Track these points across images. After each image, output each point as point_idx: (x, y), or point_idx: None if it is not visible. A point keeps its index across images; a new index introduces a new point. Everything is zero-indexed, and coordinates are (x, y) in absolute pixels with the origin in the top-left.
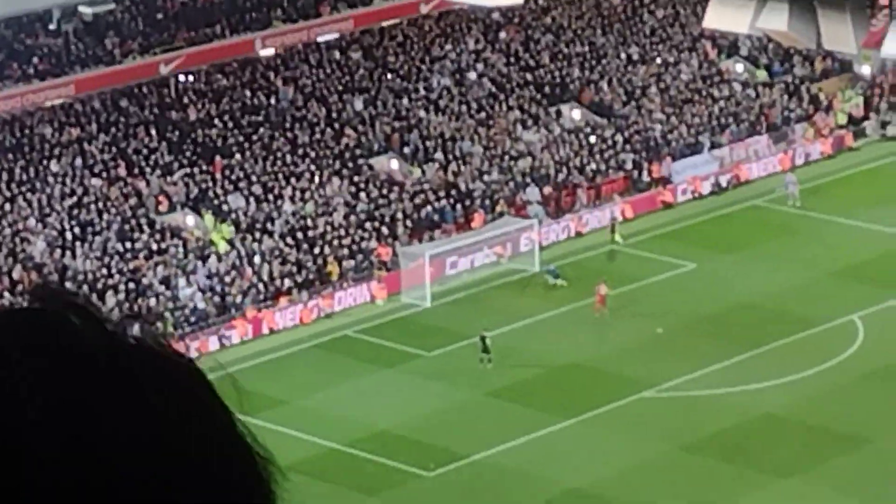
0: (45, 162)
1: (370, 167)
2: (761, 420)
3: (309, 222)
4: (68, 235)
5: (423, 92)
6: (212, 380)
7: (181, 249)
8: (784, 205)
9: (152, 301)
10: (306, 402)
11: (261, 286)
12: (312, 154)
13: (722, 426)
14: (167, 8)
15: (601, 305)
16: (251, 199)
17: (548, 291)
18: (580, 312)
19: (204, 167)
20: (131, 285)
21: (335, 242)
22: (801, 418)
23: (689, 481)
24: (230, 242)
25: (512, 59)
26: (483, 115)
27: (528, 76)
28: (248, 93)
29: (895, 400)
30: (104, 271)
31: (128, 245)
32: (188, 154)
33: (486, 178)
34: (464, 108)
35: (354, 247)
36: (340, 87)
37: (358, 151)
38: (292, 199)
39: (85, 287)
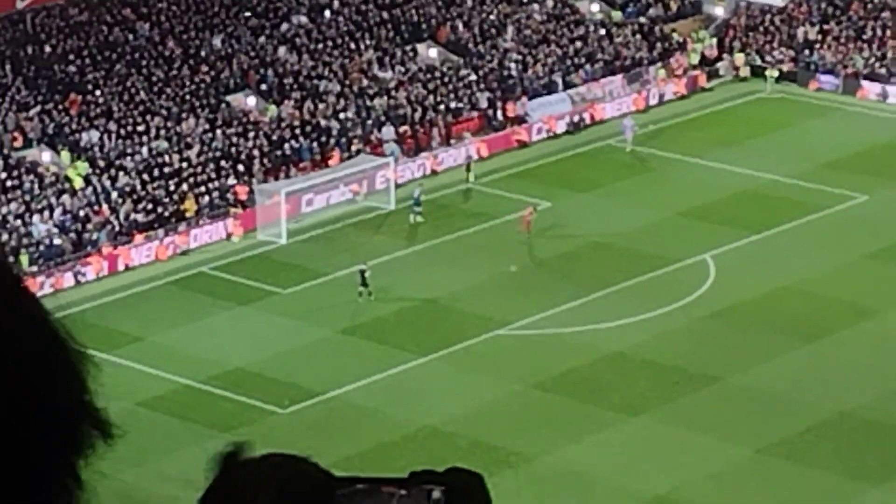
0: None
1: (227, 104)
2: (612, 358)
3: (165, 159)
4: None
5: (280, 29)
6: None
7: (36, 186)
8: (639, 144)
9: (5, 237)
10: (161, 339)
11: (117, 223)
12: (169, 91)
13: (574, 364)
14: None
15: (527, 228)
16: (107, 136)
17: (403, 229)
18: (436, 250)
19: (60, 103)
20: None
21: (191, 179)
22: (652, 357)
23: (540, 419)
24: (86, 179)
25: None
26: (339, 53)
27: (385, 14)
28: (104, 28)
29: (744, 338)
30: None
31: None
32: (44, 90)
33: (342, 115)
34: (321, 46)
35: (211, 184)
36: (199, 24)
37: (214, 88)
38: (148, 135)
39: None
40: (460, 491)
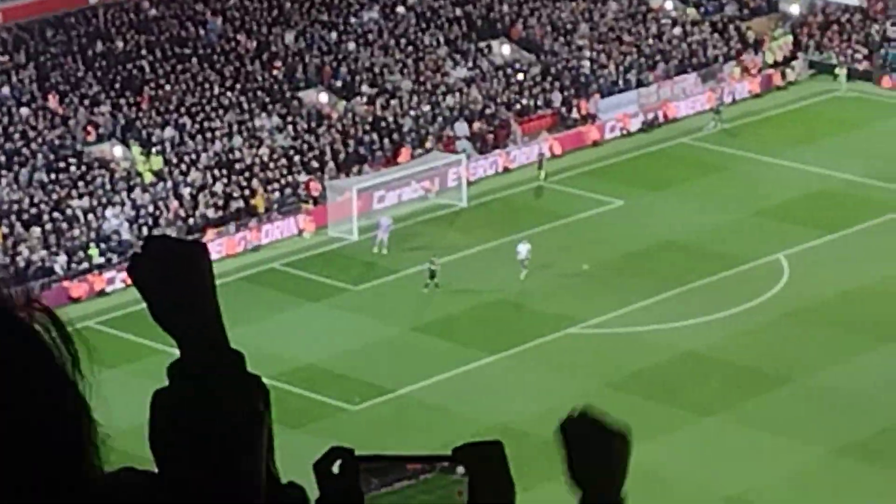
0: None
1: (299, 100)
2: (686, 358)
3: (237, 154)
4: None
5: (352, 26)
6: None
7: (108, 181)
8: (713, 143)
9: (76, 232)
10: (231, 335)
11: (188, 218)
12: (240, 87)
13: (647, 363)
14: None
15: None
16: (179, 131)
17: (475, 226)
18: (507, 248)
19: (132, 98)
20: (57, 215)
21: (263, 175)
22: (725, 357)
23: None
24: (157, 174)
25: None
26: (412, 49)
27: (458, 11)
28: (176, 23)
29: (817, 339)
30: (29, 202)
31: (53, 176)
32: (116, 85)
33: (414, 112)
34: (393, 42)
35: (282, 180)
36: (270, 20)
37: (287, 84)
38: (220, 131)
39: (11, 217)
40: (480, 464)
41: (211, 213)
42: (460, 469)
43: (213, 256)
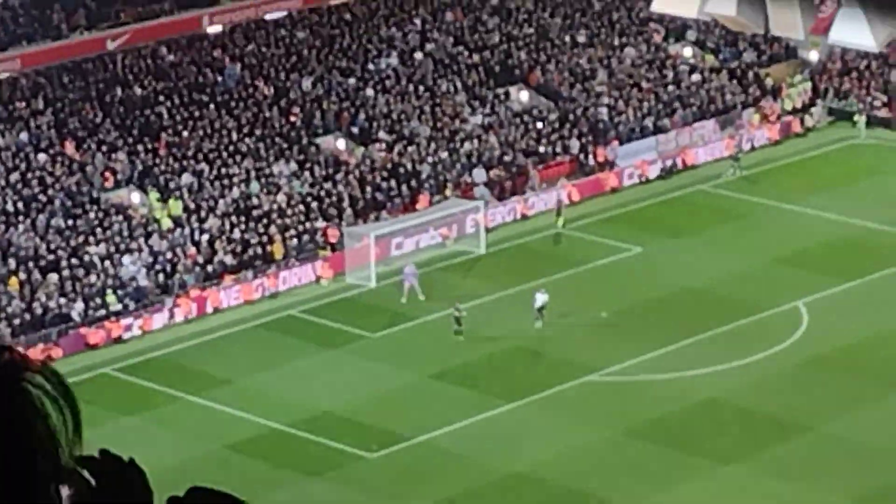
0: None
1: (316, 147)
2: (704, 405)
3: (254, 201)
4: (11, 209)
5: (370, 72)
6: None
7: (125, 227)
8: (732, 190)
9: (93, 278)
10: (250, 382)
11: (206, 265)
12: (258, 133)
13: (665, 411)
14: None
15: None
16: (196, 178)
17: (493, 273)
18: (526, 295)
19: (149, 144)
20: (74, 262)
21: (280, 222)
22: (744, 405)
23: (631, 466)
24: (175, 220)
25: (459, 40)
26: (430, 95)
27: (476, 57)
28: (194, 70)
29: (836, 387)
30: (46, 248)
31: (71, 222)
32: (133, 131)
33: (432, 159)
34: (410, 88)
35: (300, 227)
36: (288, 66)
37: (304, 131)
38: (238, 177)
39: (29, 263)
40: None
41: (229, 259)
42: None
43: (231, 303)
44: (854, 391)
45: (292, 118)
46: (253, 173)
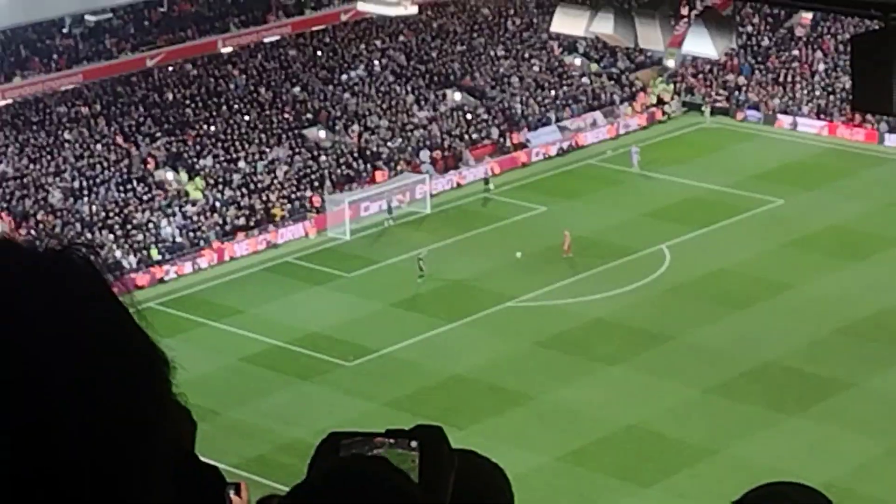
0: (60, 133)
1: (304, 136)
2: (594, 323)
3: (259, 177)
4: (77, 186)
5: (343, 80)
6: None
7: (163, 198)
8: (612, 163)
9: (140, 237)
10: (258, 311)
11: (224, 225)
12: (261, 126)
13: (564, 328)
14: (151, 17)
15: (568, 251)
16: (215, 160)
17: (437, 228)
18: (462, 244)
19: (180, 136)
20: (127, 225)
21: (278, 192)
22: (623, 321)
23: (541, 368)
24: (201, 192)
25: (409, 56)
26: (388, 97)
27: (422, 67)
28: (212, 80)
29: (692, 308)
30: (105, 214)
31: (122, 195)
32: (168, 126)
33: (389, 144)
34: (374, 92)
35: (293, 196)
36: (282, 77)
37: (295, 124)
38: (246, 159)
39: (93, 227)
40: (428, 441)
41: (240, 221)
42: (414, 443)
43: (243, 252)
44: (704, 311)
45: (286, 115)
46: (257, 156)
